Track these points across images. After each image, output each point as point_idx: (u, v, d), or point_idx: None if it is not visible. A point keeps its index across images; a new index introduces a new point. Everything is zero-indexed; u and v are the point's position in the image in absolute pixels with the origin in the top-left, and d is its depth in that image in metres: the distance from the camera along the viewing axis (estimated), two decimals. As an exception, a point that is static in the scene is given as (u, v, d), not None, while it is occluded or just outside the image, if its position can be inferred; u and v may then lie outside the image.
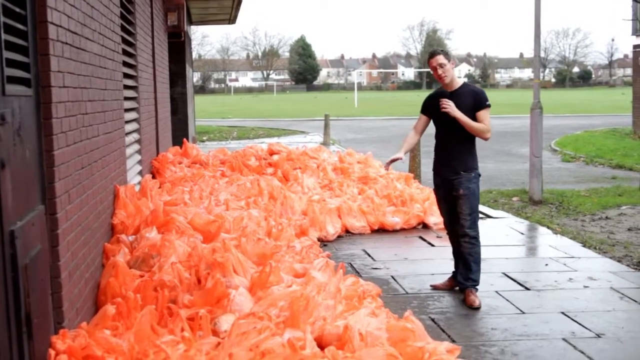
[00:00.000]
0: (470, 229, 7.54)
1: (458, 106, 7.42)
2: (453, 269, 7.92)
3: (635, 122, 29.38)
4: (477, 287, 7.57)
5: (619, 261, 9.05)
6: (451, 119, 7.41)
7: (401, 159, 7.80)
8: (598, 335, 6.43)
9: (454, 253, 7.87)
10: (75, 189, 5.47)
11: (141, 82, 10.53)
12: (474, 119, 7.45)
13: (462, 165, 7.56)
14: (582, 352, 6.04)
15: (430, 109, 7.76)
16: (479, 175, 7.67)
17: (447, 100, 7.44)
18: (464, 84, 7.69)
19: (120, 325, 5.03)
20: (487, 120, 7.51)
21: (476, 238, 7.59)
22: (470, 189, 7.54)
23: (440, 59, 7.49)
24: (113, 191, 7.41)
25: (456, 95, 7.53)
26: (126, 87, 9.03)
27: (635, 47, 30.53)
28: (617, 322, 6.82)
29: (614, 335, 6.47)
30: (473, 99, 7.52)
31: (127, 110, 8.94)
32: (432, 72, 7.66)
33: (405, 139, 8.00)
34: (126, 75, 9.05)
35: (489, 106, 7.55)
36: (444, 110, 7.41)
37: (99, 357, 4.47)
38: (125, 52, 9.01)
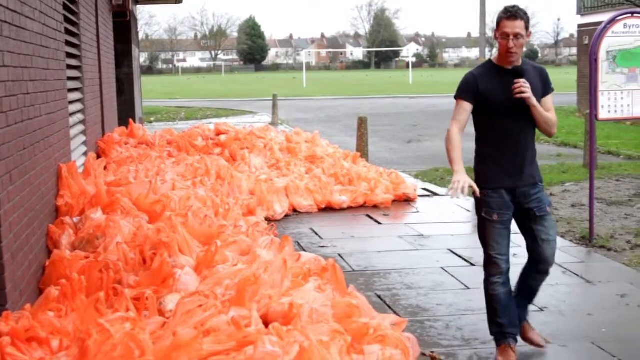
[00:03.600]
0: (553, 258, 5.59)
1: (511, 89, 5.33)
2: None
3: (580, 101, 29.75)
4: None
5: (562, 236, 9.18)
6: (522, 106, 5.33)
7: (474, 188, 5.31)
8: (541, 309, 6.54)
9: (508, 295, 5.62)
10: (17, 170, 5.41)
11: (85, 62, 10.40)
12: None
13: (538, 172, 5.61)
14: (525, 326, 6.15)
15: (484, 92, 5.39)
16: None
17: (524, 81, 5.28)
18: (523, 60, 5.46)
19: (64, 307, 5.00)
20: (553, 108, 5.55)
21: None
22: (551, 204, 5.66)
23: (519, 26, 5.23)
24: (57, 172, 7.34)
25: (516, 74, 5.35)
26: (69, 67, 8.93)
27: (579, 26, 30.87)
28: (560, 296, 6.96)
29: (556, 308, 6.60)
30: (540, 80, 5.48)
31: (70, 90, 8.84)
32: (497, 37, 5.36)
33: (454, 148, 5.39)
34: (69, 55, 8.94)
35: (553, 90, 5.60)
36: (519, 95, 5.25)
37: (43, 339, 4.45)
38: (68, 32, 8.90)
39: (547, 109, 5.42)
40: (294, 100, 43.46)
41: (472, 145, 5.52)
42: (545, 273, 5.61)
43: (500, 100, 5.34)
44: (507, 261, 5.51)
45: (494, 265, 5.50)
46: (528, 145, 5.49)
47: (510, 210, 5.46)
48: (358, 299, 5.36)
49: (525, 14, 5.28)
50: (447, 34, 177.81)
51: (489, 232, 5.48)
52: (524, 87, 5.23)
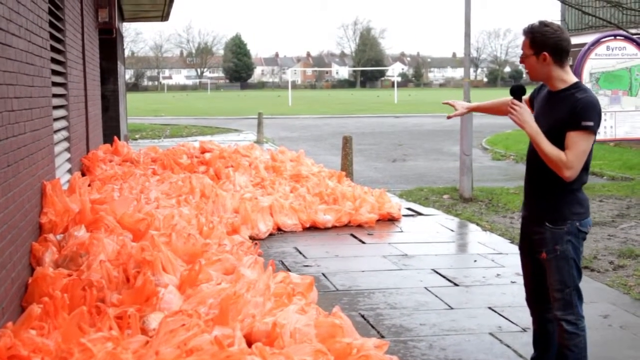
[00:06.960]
0: (562, 311, 4.82)
1: (545, 116, 4.78)
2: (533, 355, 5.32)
3: (564, 121, 29.94)
4: None
5: (545, 257, 9.21)
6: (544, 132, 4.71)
7: (457, 109, 5.59)
8: (524, 330, 6.55)
9: (535, 336, 5.27)
10: (0, 187, 5.40)
11: (71, 79, 10.40)
12: (563, 140, 4.64)
13: (550, 211, 4.81)
14: (508, 346, 6.17)
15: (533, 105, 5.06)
16: (580, 228, 4.80)
17: (518, 103, 4.76)
18: (572, 86, 4.72)
19: (46, 325, 4.98)
20: (577, 148, 4.58)
21: (576, 325, 4.82)
22: (557, 251, 4.78)
23: (524, 43, 4.79)
24: (41, 189, 7.32)
25: (553, 100, 4.78)
26: (55, 84, 8.92)
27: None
28: (542, 316, 6.96)
29: (539, 329, 6.61)
30: (568, 111, 4.62)
31: (55, 107, 8.83)
32: None
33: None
34: (55, 72, 8.93)
35: (586, 129, 4.57)
36: (509, 115, 4.82)
37: (25, 357, 4.43)
38: (53, 49, 8.90)
39: (566, 146, 4.59)
40: (279, 119, 43.51)
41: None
42: (557, 321, 4.89)
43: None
44: (533, 296, 5.17)
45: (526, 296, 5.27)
46: (539, 176, 4.85)
47: (526, 244, 5.11)
48: (342, 320, 5.36)
49: (533, 30, 4.70)
50: (432, 53, 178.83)
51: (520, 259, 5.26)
52: (512, 105, 4.74)
